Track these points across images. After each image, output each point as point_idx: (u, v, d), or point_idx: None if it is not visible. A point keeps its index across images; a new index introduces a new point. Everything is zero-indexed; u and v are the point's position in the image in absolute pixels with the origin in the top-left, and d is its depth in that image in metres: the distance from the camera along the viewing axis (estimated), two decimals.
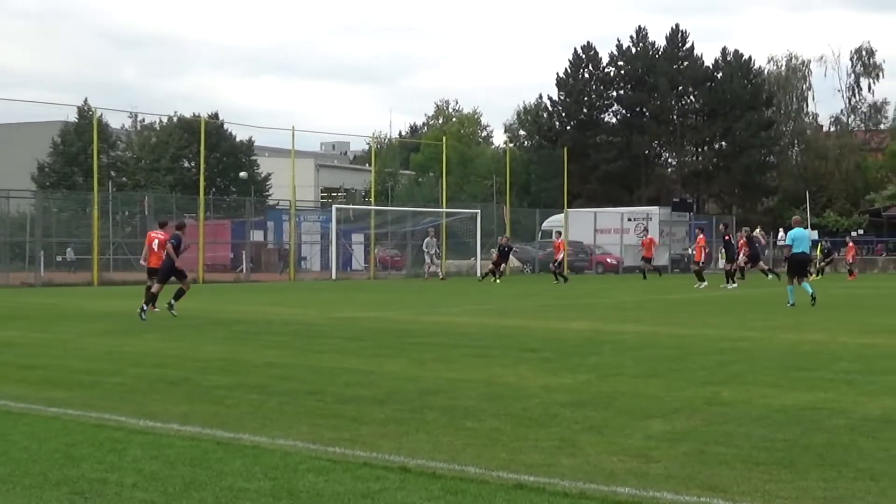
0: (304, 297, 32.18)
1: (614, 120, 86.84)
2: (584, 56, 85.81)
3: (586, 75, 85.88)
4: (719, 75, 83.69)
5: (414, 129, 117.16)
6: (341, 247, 52.14)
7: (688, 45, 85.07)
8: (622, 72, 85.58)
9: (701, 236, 42.10)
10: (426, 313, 24.31)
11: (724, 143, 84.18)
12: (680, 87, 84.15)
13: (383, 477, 7.04)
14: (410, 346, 15.97)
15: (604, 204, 73.29)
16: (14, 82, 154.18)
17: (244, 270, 49.08)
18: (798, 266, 27.29)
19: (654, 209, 66.12)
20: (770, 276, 41.10)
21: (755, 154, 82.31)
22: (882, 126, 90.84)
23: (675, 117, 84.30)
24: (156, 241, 25.44)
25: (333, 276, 48.21)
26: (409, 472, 7.20)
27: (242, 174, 75.61)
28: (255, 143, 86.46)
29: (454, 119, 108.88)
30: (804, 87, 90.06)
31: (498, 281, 44.20)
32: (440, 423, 9.17)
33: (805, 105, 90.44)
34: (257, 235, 54.86)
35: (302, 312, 23.65)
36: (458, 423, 9.20)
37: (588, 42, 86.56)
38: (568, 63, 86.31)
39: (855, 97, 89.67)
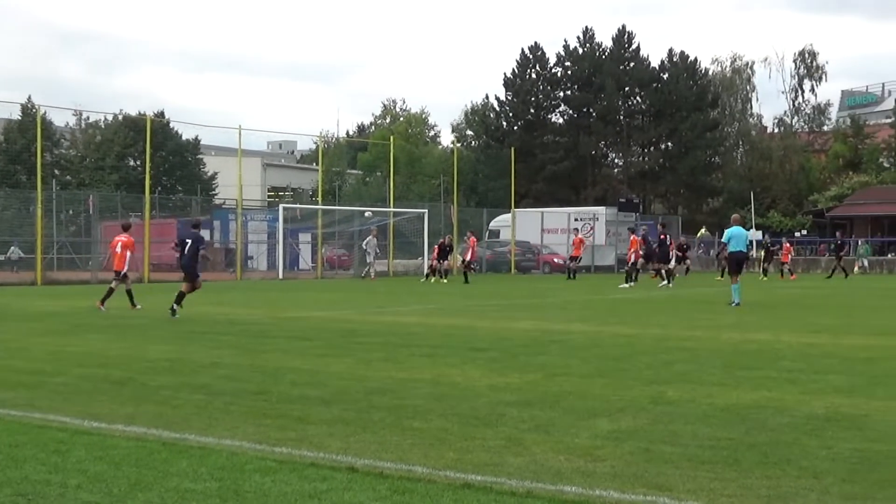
0: (251, 297, 32.03)
1: (561, 120, 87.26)
2: (531, 56, 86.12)
3: (533, 76, 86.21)
4: (665, 76, 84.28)
5: (361, 129, 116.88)
6: (288, 246, 51.95)
7: (634, 46, 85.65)
8: (569, 72, 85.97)
9: (633, 237, 42.24)
10: (373, 313, 24.27)
11: (670, 143, 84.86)
12: (626, 88, 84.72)
13: (330, 477, 7.01)
14: (357, 346, 15.93)
15: (550, 204, 73.57)
16: None
17: None
18: (738, 263, 27.50)
19: (601, 209, 66.44)
20: (662, 283, 39.19)
21: (700, 155, 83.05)
22: (825, 128, 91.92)
23: (621, 118, 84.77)
24: (119, 243, 25.40)
25: (280, 276, 48.06)
26: (357, 472, 7.18)
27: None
28: (201, 142, 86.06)
29: (401, 119, 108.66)
30: (748, 88, 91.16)
31: (445, 280, 44.20)
32: (387, 423, 9.16)
33: (749, 106, 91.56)
34: (203, 235, 54.46)
35: (248, 312, 23.54)
36: (405, 422, 9.19)
37: (535, 42, 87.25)
38: (515, 63, 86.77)
39: (798, 99, 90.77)
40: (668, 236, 40.82)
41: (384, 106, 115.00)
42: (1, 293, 34.05)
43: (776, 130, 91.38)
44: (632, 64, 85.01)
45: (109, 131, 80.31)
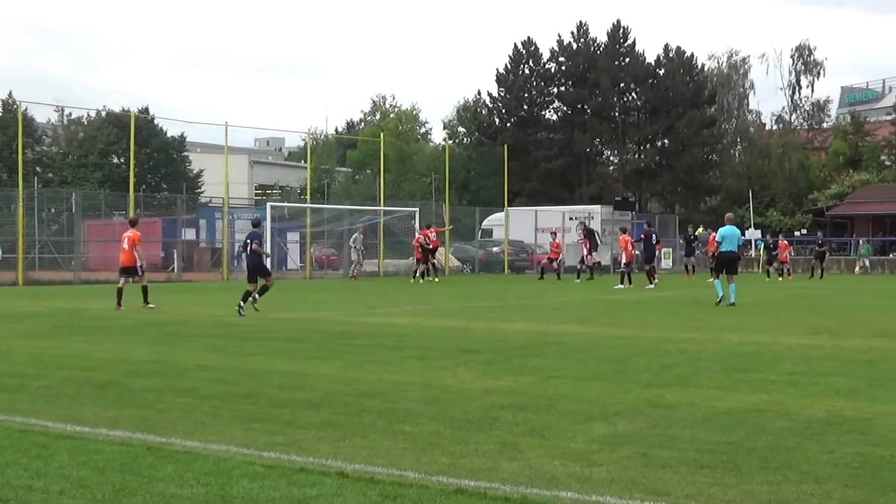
0: (238, 298, 31.94)
1: (555, 117, 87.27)
2: (524, 52, 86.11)
3: (527, 71, 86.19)
4: (661, 72, 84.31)
5: (350, 126, 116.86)
6: (276, 246, 51.87)
7: (629, 42, 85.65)
8: (563, 68, 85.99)
9: (622, 237, 41.96)
10: (363, 314, 24.27)
11: (666, 140, 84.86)
12: (622, 84, 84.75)
13: (320, 482, 7.00)
14: (347, 348, 15.92)
15: (544, 202, 73.54)
16: None
17: (175, 270, 48.70)
18: (726, 264, 27.44)
19: (596, 208, 66.31)
20: (585, 276, 42.57)
21: (698, 152, 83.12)
22: (825, 125, 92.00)
23: (616, 115, 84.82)
24: (126, 239, 25.51)
25: None
26: (347, 477, 7.17)
27: None
28: (186, 139, 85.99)
29: (392, 115, 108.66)
30: (745, 84, 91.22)
31: (436, 280, 44.14)
32: (378, 427, 9.15)
33: (747, 103, 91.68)
34: (189, 234, 54.37)
35: (235, 313, 23.49)
36: (396, 426, 9.18)
37: (528, 37, 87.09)
38: (508, 59, 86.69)
39: (797, 95, 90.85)
40: (654, 235, 40.55)
41: (374, 102, 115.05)
42: None
43: (775, 127, 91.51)
44: (627, 59, 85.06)
45: (92, 128, 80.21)
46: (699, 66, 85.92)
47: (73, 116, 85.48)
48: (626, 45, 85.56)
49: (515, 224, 62.08)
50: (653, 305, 28.40)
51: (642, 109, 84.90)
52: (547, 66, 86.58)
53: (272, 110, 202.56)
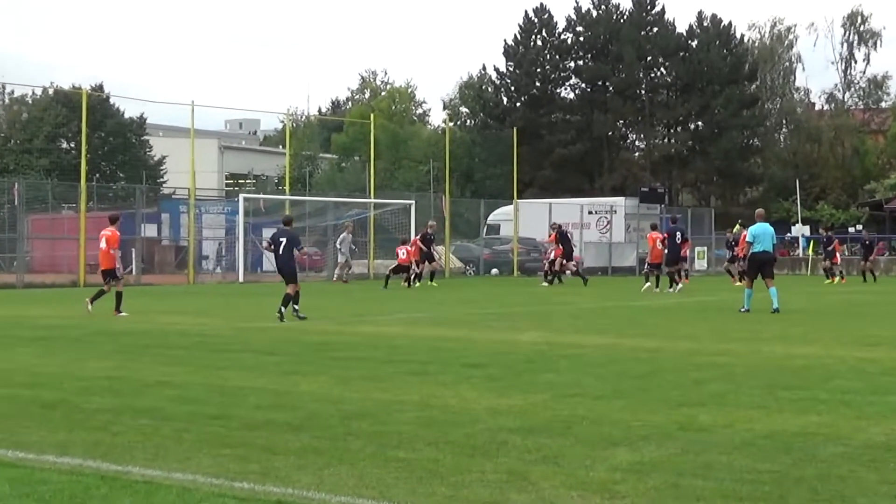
0: (207, 304, 32.01)
1: (572, 95, 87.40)
2: (536, 20, 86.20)
3: (539, 43, 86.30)
4: (694, 44, 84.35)
5: (336, 105, 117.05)
6: (250, 243, 51.90)
7: (657, 9, 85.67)
8: (581, 39, 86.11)
9: (649, 234, 41.68)
10: (351, 322, 24.28)
11: (700, 123, 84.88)
12: (649, 58, 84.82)
13: None
14: (332, 362, 15.94)
15: (560, 194, 73.47)
16: None
17: (133, 271, 48.70)
18: (760, 266, 27.40)
19: (620, 200, 66.30)
20: (553, 279, 45.03)
21: (737, 136, 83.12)
22: (883, 104, 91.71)
23: (643, 93, 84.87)
24: (103, 238, 25.55)
25: (241, 279, 48.06)
26: None
27: None
28: (147, 121, 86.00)
29: (383, 94, 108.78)
30: (791, 58, 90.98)
31: (434, 283, 44.10)
32: (367, 453, 9.16)
33: (793, 79, 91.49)
34: (150, 230, 54.40)
35: (203, 322, 23.53)
36: (388, 452, 9.19)
37: (541, 4, 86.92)
38: (518, 29, 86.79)
39: (851, 70, 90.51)
40: (679, 233, 40.05)
41: (363, 78, 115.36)
42: None
43: (825, 108, 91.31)
44: (655, 29, 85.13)
45: (38, 108, 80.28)
46: (738, 38, 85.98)
47: (14, 94, 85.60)
48: (653, 12, 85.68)
49: (526, 219, 61.87)
50: (682, 312, 28.41)
51: (672, 87, 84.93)
52: (563, 36, 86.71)
53: (245, 88, 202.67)
